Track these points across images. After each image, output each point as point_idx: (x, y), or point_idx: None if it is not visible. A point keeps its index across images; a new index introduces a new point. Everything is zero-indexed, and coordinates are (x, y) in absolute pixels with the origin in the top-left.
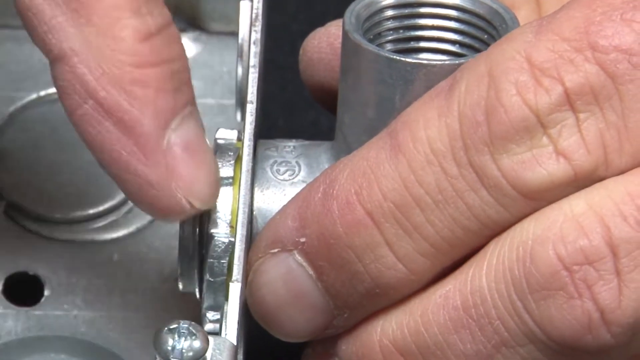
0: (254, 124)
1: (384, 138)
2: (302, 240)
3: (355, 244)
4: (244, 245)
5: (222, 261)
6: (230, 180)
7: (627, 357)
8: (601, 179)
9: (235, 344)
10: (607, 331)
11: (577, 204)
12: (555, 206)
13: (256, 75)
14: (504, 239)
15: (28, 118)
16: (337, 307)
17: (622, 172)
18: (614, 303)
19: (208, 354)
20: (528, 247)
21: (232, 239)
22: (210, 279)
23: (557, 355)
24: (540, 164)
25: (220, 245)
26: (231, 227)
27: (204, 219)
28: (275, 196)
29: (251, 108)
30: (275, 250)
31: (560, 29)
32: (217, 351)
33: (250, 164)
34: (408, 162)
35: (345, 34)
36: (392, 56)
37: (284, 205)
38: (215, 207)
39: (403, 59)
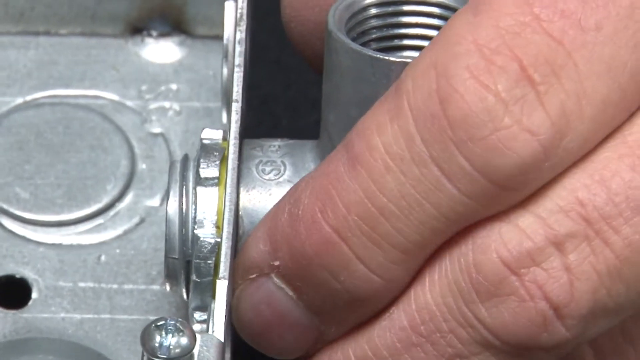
0: (239, 122)
1: (341, 151)
2: (276, 263)
3: (327, 263)
4: (230, 243)
5: (209, 262)
6: (216, 180)
7: (577, 345)
8: (569, 151)
9: (222, 340)
10: (562, 325)
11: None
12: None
13: (241, 74)
14: (442, 251)
15: (14, 122)
16: (322, 322)
17: (585, 139)
18: (567, 298)
19: (195, 351)
20: (470, 257)
21: (218, 240)
22: (197, 279)
23: (512, 357)
24: (507, 147)
25: (206, 246)
26: (217, 227)
27: (189, 219)
28: (260, 196)
29: (236, 107)
30: (253, 275)
31: (499, 5)
32: (205, 348)
33: (236, 163)
34: (367, 172)
35: (328, 33)
36: (374, 55)
37: (255, 228)
38: (200, 207)
39: (385, 57)
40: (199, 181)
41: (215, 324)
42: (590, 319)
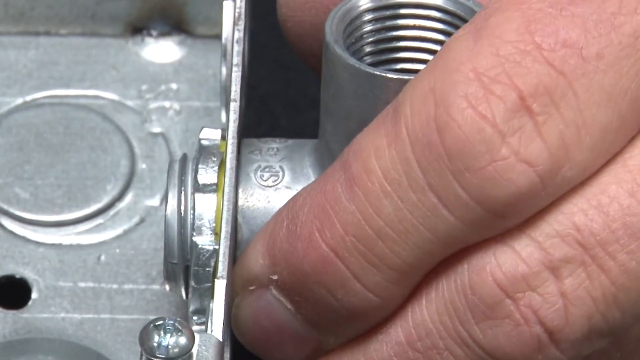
0: (237, 122)
1: (339, 170)
2: (275, 277)
3: (325, 281)
4: (228, 242)
5: (207, 269)
6: (214, 187)
7: None
8: (567, 180)
9: (221, 340)
10: (557, 349)
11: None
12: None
13: (239, 74)
14: (439, 270)
15: (14, 122)
16: (320, 334)
17: (584, 167)
18: (562, 323)
19: (194, 350)
20: (465, 278)
21: (217, 247)
22: (195, 285)
23: None
24: (504, 178)
25: (204, 253)
26: (215, 234)
27: (187, 225)
28: (259, 203)
29: (234, 106)
30: (252, 287)
31: (500, 32)
32: (203, 347)
33: (234, 162)
34: (364, 195)
35: (326, 45)
36: (372, 71)
37: (254, 240)
38: (199, 214)
39: (383, 74)
40: (197, 187)
41: (214, 324)
42: (584, 342)
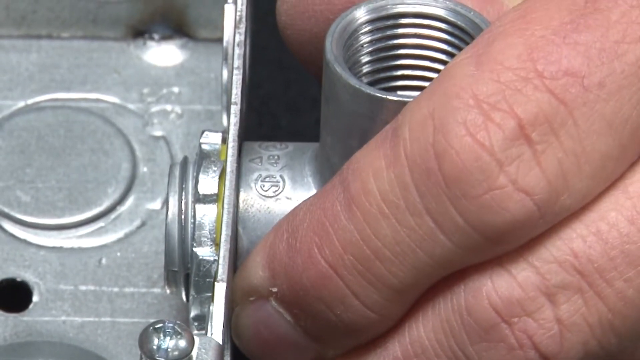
0: (238, 125)
1: (338, 187)
2: (275, 290)
3: (324, 296)
4: (228, 246)
5: (207, 279)
6: (215, 197)
7: None
8: (565, 208)
9: (221, 343)
10: None
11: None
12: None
13: (240, 77)
14: (436, 289)
15: (15, 126)
16: (319, 346)
17: (583, 195)
18: (557, 348)
19: (194, 353)
20: (462, 299)
21: (217, 258)
22: (195, 295)
23: None
24: (501, 207)
25: (205, 264)
26: (216, 244)
27: (188, 236)
28: (260, 214)
29: (235, 109)
30: (252, 298)
31: (502, 58)
32: (203, 350)
33: (235, 165)
34: (362, 215)
35: (326, 64)
36: (372, 93)
37: (254, 251)
38: (199, 225)
39: (383, 96)
40: (198, 198)
41: (214, 327)
42: None
